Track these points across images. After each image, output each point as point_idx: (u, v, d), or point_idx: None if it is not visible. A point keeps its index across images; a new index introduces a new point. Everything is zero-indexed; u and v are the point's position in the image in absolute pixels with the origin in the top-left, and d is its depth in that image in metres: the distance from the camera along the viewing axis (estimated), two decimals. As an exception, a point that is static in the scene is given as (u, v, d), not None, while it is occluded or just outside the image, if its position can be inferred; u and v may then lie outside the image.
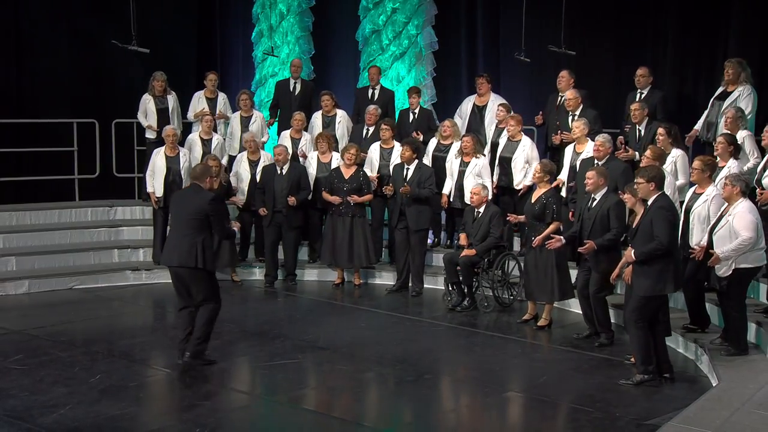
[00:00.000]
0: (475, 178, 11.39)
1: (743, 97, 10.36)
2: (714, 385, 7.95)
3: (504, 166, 11.70)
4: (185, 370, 8.48)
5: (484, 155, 11.75)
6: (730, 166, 9.11)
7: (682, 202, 9.40)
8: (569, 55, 12.10)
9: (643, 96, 11.36)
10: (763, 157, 9.64)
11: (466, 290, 10.89)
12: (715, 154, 9.33)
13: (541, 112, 12.25)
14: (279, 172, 11.93)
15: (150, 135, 12.99)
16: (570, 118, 11.42)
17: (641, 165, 9.40)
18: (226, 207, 8.74)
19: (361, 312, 10.99)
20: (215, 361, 8.66)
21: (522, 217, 10.33)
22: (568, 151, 11.10)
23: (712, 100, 10.78)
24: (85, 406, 7.51)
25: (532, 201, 10.08)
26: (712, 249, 8.31)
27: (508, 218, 10.58)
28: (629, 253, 8.13)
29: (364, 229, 11.90)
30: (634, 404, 7.72)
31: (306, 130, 12.85)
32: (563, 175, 11.07)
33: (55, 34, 14.20)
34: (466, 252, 10.73)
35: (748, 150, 9.75)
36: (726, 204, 8.42)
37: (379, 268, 12.38)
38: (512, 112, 11.85)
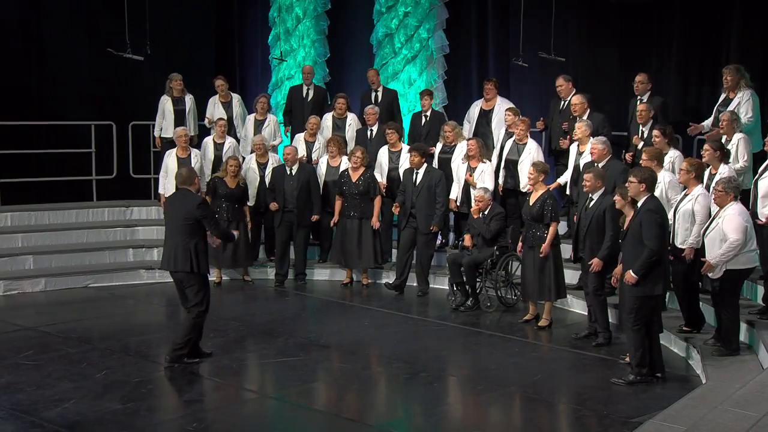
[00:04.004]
0: (481, 183, 11.53)
1: (743, 102, 10.40)
2: (703, 384, 8.07)
3: (510, 168, 11.82)
4: (188, 366, 8.73)
5: (490, 160, 11.87)
6: (722, 172, 9.17)
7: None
8: (560, 61, 12.24)
9: (642, 102, 11.42)
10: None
11: (469, 290, 11.07)
12: (703, 161, 9.43)
13: (542, 118, 12.37)
14: (288, 172, 12.15)
15: (165, 135, 13.28)
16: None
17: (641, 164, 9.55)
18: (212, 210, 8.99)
19: (367, 311, 11.17)
20: (201, 360, 8.86)
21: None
22: (572, 150, 11.25)
23: (715, 108, 10.82)
24: (88, 401, 7.77)
25: (531, 203, 10.23)
26: (704, 255, 8.47)
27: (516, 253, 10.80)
28: (618, 269, 8.55)
29: (372, 230, 12.10)
30: (623, 403, 7.85)
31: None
32: (567, 174, 11.24)
33: (75, 38, 14.55)
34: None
35: (741, 153, 9.82)
36: (718, 208, 8.55)
37: (387, 268, 12.53)
38: (520, 116, 11.95)
